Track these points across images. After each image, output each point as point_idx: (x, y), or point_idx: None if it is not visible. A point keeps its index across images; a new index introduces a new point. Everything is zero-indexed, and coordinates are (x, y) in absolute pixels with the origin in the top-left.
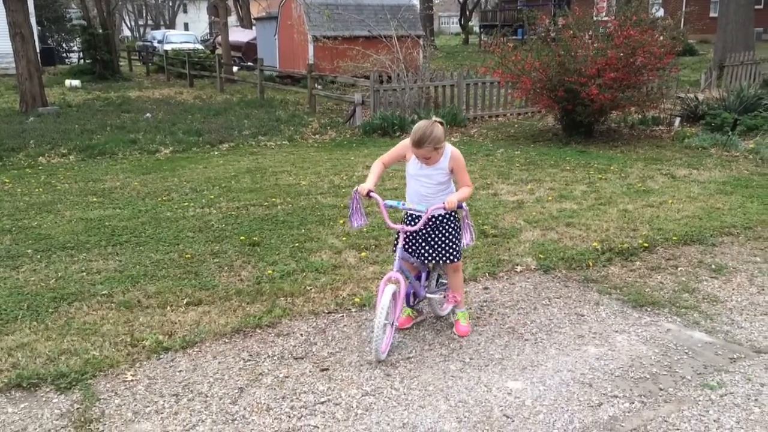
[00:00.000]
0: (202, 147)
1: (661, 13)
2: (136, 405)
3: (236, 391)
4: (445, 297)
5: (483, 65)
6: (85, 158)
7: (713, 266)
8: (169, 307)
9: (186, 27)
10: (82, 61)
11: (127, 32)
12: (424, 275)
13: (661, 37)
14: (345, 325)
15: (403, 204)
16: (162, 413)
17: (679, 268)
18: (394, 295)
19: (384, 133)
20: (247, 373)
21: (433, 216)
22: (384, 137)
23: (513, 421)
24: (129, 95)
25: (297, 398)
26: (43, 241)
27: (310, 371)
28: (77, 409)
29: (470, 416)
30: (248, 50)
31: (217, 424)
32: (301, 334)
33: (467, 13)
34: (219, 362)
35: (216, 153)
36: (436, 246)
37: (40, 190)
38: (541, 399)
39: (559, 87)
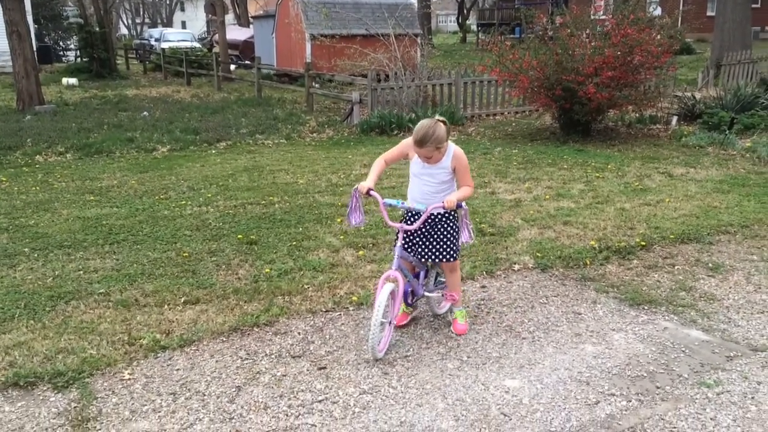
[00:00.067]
0: (200, 145)
1: (658, 11)
2: (133, 404)
3: (234, 389)
4: (443, 295)
5: (481, 64)
6: (82, 157)
7: (710, 265)
8: (166, 306)
9: (183, 25)
10: (79, 59)
11: (124, 30)
12: (422, 274)
13: (659, 36)
14: (342, 324)
15: (403, 203)
16: (159, 412)
17: (676, 267)
18: (393, 294)
19: (381, 131)
20: (244, 371)
21: (432, 214)
22: (381, 136)
23: (510, 419)
24: (126, 93)
25: (294, 397)
26: (40, 239)
27: (307, 370)
28: (74, 407)
29: (468, 414)
30: (246, 49)
31: (215, 423)
32: (299, 333)
33: (465, 11)
34: (216, 361)
35: (213, 151)
36: (434, 244)
37: (37, 188)
38: (538, 397)
39: (556, 85)
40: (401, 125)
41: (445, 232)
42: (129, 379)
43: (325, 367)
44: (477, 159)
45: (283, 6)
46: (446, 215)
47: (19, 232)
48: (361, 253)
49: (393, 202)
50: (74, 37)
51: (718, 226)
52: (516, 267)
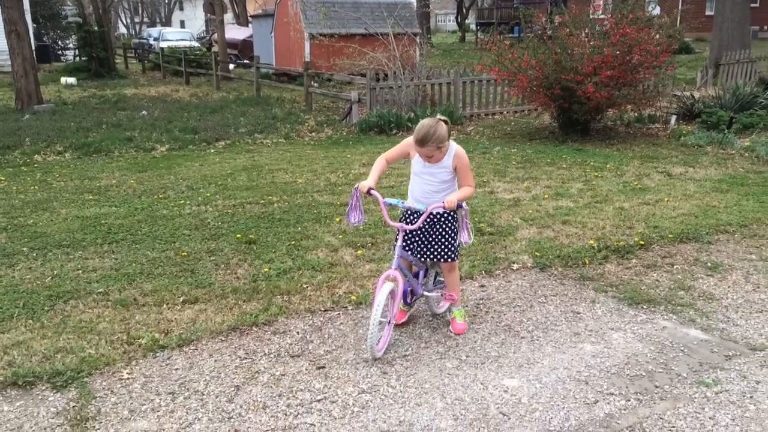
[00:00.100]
0: (198, 145)
1: (657, 11)
2: (132, 403)
3: (232, 389)
4: (442, 295)
5: (479, 63)
6: (81, 156)
7: (709, 264)
8: (165, 305)
9: (182, 24)
10: (77, 58)
11: (123, 29)
12: (421, 273)
13: (658, 35)
14: (341, 323)
15: (403, 203)
16: (158, 411)
17: (674, 266)
18: (392, 293)
19: (380, 130)
20: (243, 371)
21: (431, 213)
22: (380, 135)
23: (509, 418)
24: (125, 93)
25: (293, 396)
26: (39, 239)
27: (306, 369)
28: (73, 407)
29: (467, 414)
30: (244, 48)
31: (214, 422)
32: (298, 332)
33: (464, 10)
34: (215, 360)
35: (212, 151)
36: (434, 244)
37: (36, 187)
38: (537, 396)
39: (555, 85)
40: (400, 124)
41: (444, 232)
42: (128, 378)
43: (323, 367)
44: (476, 158)
45: (281, 5)
46: (446, 215)
47: (17, 232)
48: (359, 252)
49: (393, 201)
50: (73, 36)
51: (717, 225)
52: (515, 266)
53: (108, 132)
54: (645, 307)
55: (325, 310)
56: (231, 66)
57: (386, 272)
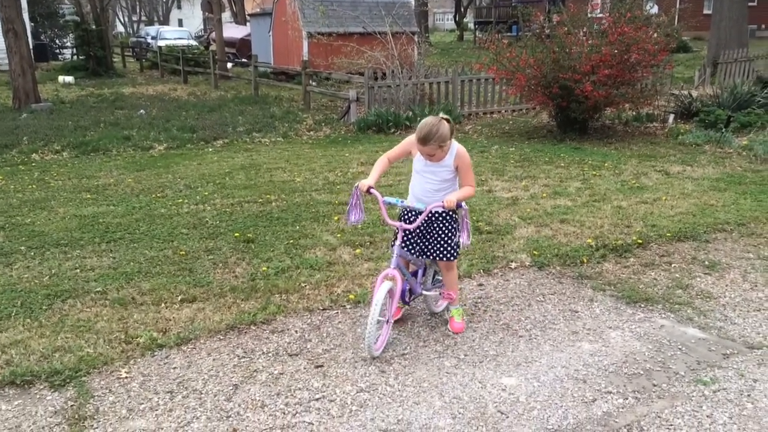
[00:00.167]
0: (196, 144)
1: (655, 9)
2: (130, 402)
3: (231, 388)
4: (440, 294)
5: (478, 62)
6: (79, 155)
7: (707, 263)
8: (163, 304)
9: (180, 23)
10: (75, 57)
11: (120, 28)
12: (420, 272)
13: (655, 34)
14: (340, 322)
15: (402, 202)
16: (156, 410)
17: (672, 265)
18: (390, 292)
19: (379, 129)
20: (241, 369)
21: (431, 212)
22: (379, 134)
23: (507, 417)
24: (122, 92)
25: (292, 395)
26: (37, 238)
27: (304, 368)
28: (71, 406)
29: (465, 412)
30: (242, 47)
31: (212, 421)
32: (296, 331)
33: (462, 9)
34: (213, 359)
35: (210, 150)
36: (433, 243)
37: (34, 186)
38: (535, 395)
39: (553, 84)
40: (398, 123)
41: (443, 231)
42: (126, 377)
43: (322, 365)
44: (474, 157)
45: (280, 4)
46: (445, 214)
47: (15, 231)
48: (358, 251)
49: (392, 200)
50: (71, 35)
51: (715, 224)
52: (513, 265)
53: (106, 131)
54: (643, 305)
55: (323, 309)
56: (229, 65)
57: (385, 271)
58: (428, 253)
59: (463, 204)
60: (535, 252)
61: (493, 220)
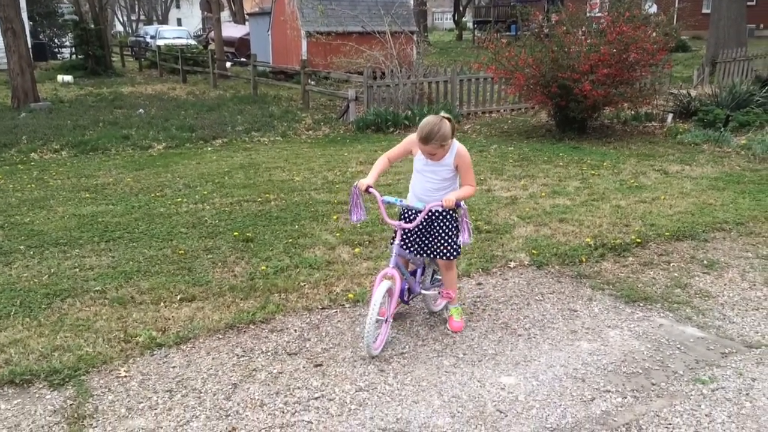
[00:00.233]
0: (195, 143)
1: (654, 9)
2: (129, 401)
3: (230, 386)
4: (439, 293)
5: (476, 61)
6: (78, 154)
7: (705, 262)
8: (162, 303)
9: (179, 22)
10: (74, 56)
11: (119, 27)
12: (419, 271)
13: (654, 33)
14: (339, 321)
15: (401, 201)
16: (155, 409)
17: (671, 264)
18: (389, 291)
19: (377, 129)
20: (240, 368)
21: (430, 211)
22: (377, 133)
23: (506, 416)
24: (121, 91)
25: (291, 394)
26: (36, 237)
27: (303, 367)
28: (70, 405)
29: (464, 411)
30: (241, 46)
31: (211, 420)
32: (295, 330)
33: (461, 9)
34: (213, 358)
35: (209, 149)
36: (432, 241)
37: (33, 186)
38: (534, 394)
39: (552, 83)
40: (397, 123)
41: (443, 230)
42: (125, 376)
43: (321, 365)
44: (473, 156)
45: (278, 3)
46: (445, 213)
47: (14, 230)
48: (357, 250)
49: (391, 199)
50: (69, 34)
51: (714, 223)
52: (512, 264)
53: (105, 130)
54: (641, 304)
55: (322, 308)
56: (228, 64)
57: (384, 270)
58: (428, 252)
59: (462, 203)
60: (533, 251)
61: (492, 219)
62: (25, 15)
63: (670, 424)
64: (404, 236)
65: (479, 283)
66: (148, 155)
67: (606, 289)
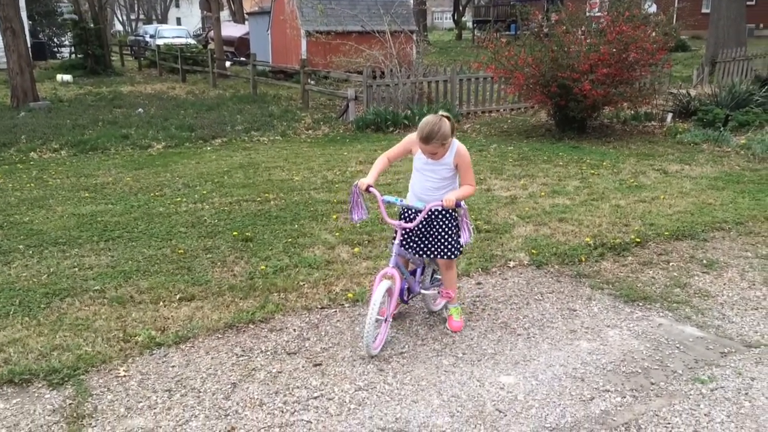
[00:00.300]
0: (195, 142)
1: (653, 8)
2: (128, 400)
3: (229, 386)
4: (438, 293)
5: (476, 61)
6: (77, 153)
7: (705, 261)
8: (161, 303)
9: (178, 21)
10: (73, 55)
11: (118, 27)
12: (419, 271)
13: (654, 33)
14: (338, 321)
15: (401, 201)
16: (155, 408)
17: (670, 263)
18: (389, 291)
19: (377, 128)
20: (240, 368)
21: (430, 210)
22: (377, 132)
23: (505, 415)
24: (121, 90)
25: (290, 393)
26: (35, 236)
27: (303, 366)
28: (70, 404)
29: (463, 411)
30: (241, 45)
31: (210, 420)
32: (294, 330)
33: (460, 8)
34: (212, 357)
35: (209, 148)
36: (432, 241)
37: (32, 185)
38: (533, 393)
39: (552, 82)
40: (397, 122)
41: (443, 229)
42: (124, 375)
43: (320, 364)
44: (473, 156)
45: (278, 2)
46: (445, 212)
47: (13, 229)
48: (356, 250)
49: (391, 199)
50: (69, 33)
51: (713, 222)
52: (511, 264)
53: (104, 129)
54: (641, 304)
55: (321, 308)
56: (227, 63)
57: (383, 270)
58: (428, 252)
59: (462, 203)
60: (533, 251)
61: (492, 218)
62: (24, 14)
63: (669, 423)
64: (404, 236)
65: (479, 283)
66: (147, 155)
67: (605, 289)
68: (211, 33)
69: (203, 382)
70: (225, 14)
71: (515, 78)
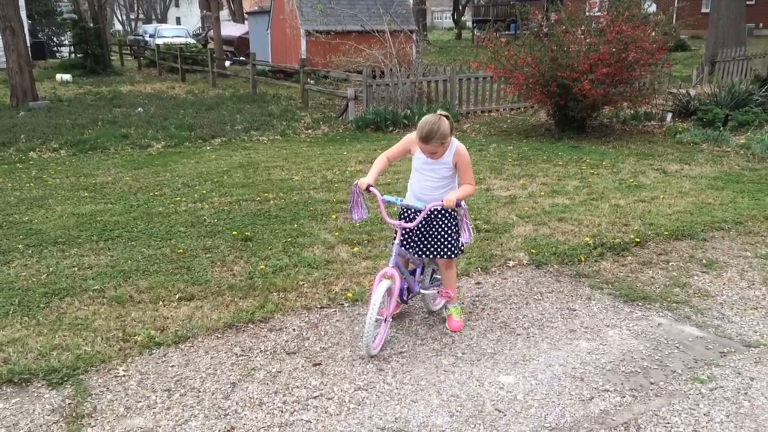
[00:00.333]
0: (194, 142)
1: (653, 8)
2: (128, 400)
3: (229, 386)
4: (438, 292)
5: (476, 60)
6: (77, 153)
7: (704, 261)
8: (161, 302)
9: (178, 21)
10: (73, 55)
11: (118, 26)
12: (418, 270)
13: (653, 33)
14: (337, 320)
15: (401, 200)
16: (154, 408)
17: (670, 263)
18: (389, 291)
19: (377, 128)
20: (239, 368)
21: (430, 210)
22: (377, 132)
23: (505, 415)
24: (120, 90)
25: (290, 393)
26: (34, 236)
27: (302, 366)
28: (69, 404)
29: (462, 410)
30: (240, 45)
31: (210, 419)
32: (294, 329)
33: (460, 8)
34: (211, 357)
35: (208, 148)
36: (432, 241)
37: (31, 185)
38: (532, 393)
39: (551, 82)
40: (396, 122)
41: (442, 229)
42: (124, 375)
43: (320, 364)
44: (472, 155)
45: (278, 2)
46: (444, 212)
47: (13, 229)
48: (356, 249)
49: (391, 199)
50: (68, 32)
51: (712, 222)
52: (511, 263)
53: (103, 129)
54: (640, 304)
55: (321, 307)
56: (227, 63)
57: (383, 270)
58: (428, 252)
59: (462, 203)
60: (533, 250)
61: (491, 218)
62: (23, 13)
63: (668, 423)
64: (404, 236)
65: (478, 283)
66: (147, 154)
67: (605, 289)
68: (211, 32)
69: (203, 381)
70: (224, 14)
71: (515, 78)
